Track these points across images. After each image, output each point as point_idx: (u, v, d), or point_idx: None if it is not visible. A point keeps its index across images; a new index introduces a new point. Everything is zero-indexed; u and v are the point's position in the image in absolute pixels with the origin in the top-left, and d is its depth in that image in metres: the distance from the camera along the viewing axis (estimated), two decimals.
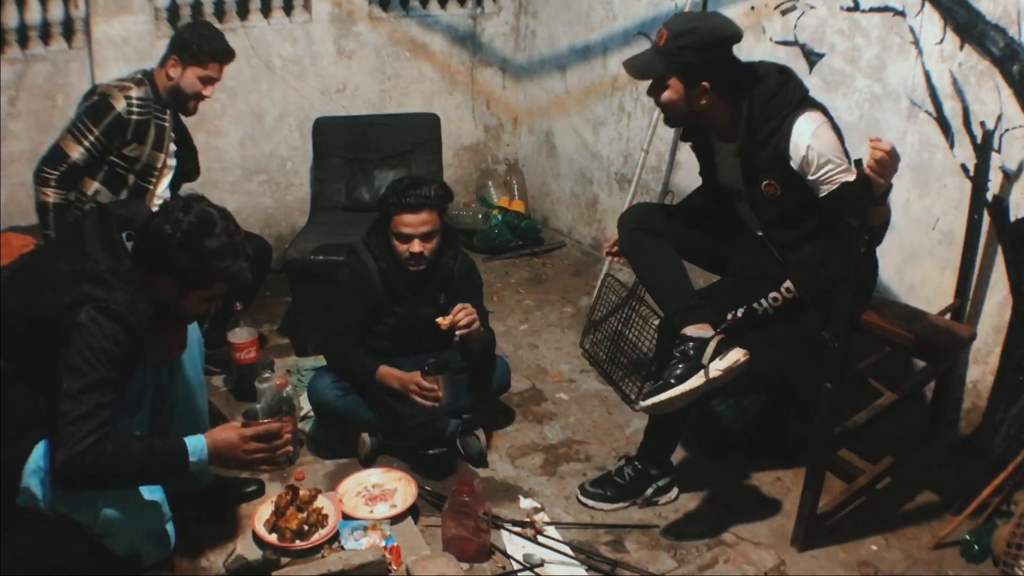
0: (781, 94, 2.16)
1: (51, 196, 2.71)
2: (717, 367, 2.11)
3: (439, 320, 2.54)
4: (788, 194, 2.18)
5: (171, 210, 1.89)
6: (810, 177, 2.12)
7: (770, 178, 2.18)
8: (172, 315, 1.98)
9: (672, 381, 2.13)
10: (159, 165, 2.87)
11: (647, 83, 2.23)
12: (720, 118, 2.23)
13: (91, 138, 2.70)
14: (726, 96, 2.18)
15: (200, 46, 2.79)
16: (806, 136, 2.10)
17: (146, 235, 1.90)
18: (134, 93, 2.75)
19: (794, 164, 2.12)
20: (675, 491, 2.53)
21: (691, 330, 2.19)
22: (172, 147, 2.95)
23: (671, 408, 2.15)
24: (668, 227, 2.43)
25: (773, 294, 2.30)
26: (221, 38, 2.86)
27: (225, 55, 2.86)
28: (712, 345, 2.13)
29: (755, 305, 2.30)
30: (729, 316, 2.24)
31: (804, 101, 2.17)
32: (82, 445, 1.73)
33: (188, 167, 3.07)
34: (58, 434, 1.74)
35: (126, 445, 1.80)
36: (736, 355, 2.12)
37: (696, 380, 2.11)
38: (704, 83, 2.15)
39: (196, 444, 1.88)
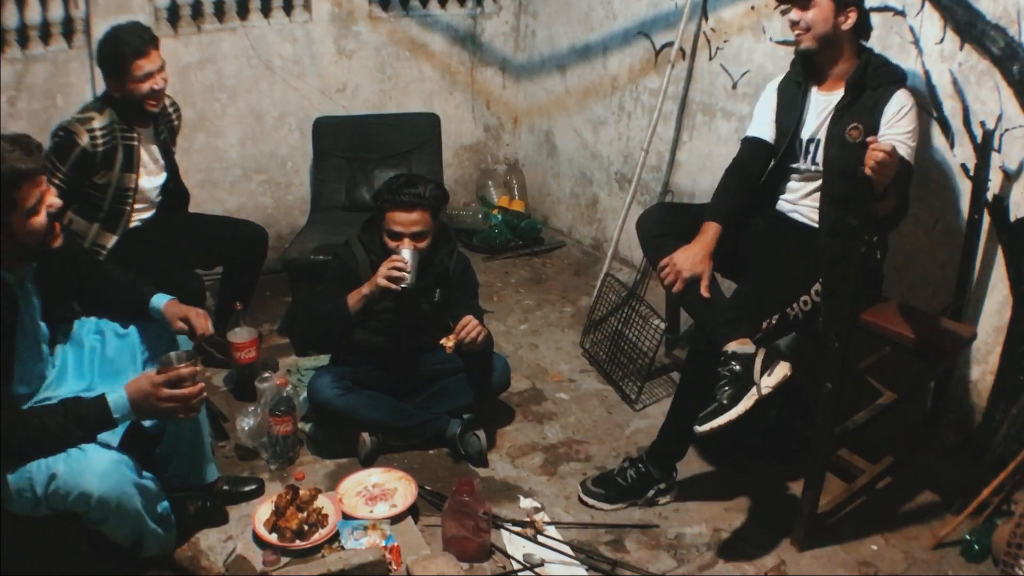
0: (895, 68, 2.38)
1: None
2: (768, 384, 2.13)
3: (443, 342, 2.55)
4: (865, 144, 2.23)
5: None
6: (883, 130, 2.25)
7: (858, 122, 2.21)
8: (27, 255, 1.94)
9: (726, 402, 2.12)
10: (131, 186, 2.84)
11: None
12: (841, 52, 2.38)
13: (60, 175, 2.68)
14: (859, 30, 2.36)
15: (113, 56, 2.71)
16: (908, 104, 2.30)
17: None
18: (96, 123, 2.71)
19: (885, 116, 2.28)
20: (675, 492, 2.54)
21: (734, 346, 2.19)
22: (151, 164, 2.92)
23: (725, 429, 2.14)
24: (689, 230, 2.44)
25: (804, 297, 2.32)
26: (131, 34, 2.72)
27: (140, 46, 2.70)
28: (759, 361, 2.15)
29: (788, 311, 2.32)
30: (764, 324, 2.27)
31: (906, 84, 2.36)
32: None
33: (173, 184, 3.05)
34: None
35: (45, 416, 1.84)
36: (783, 370, 2.14)
37: (749, 400, 2.12)
38: (852, 7, 2.31)
39: (118, 401, 1.88)
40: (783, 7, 2.44)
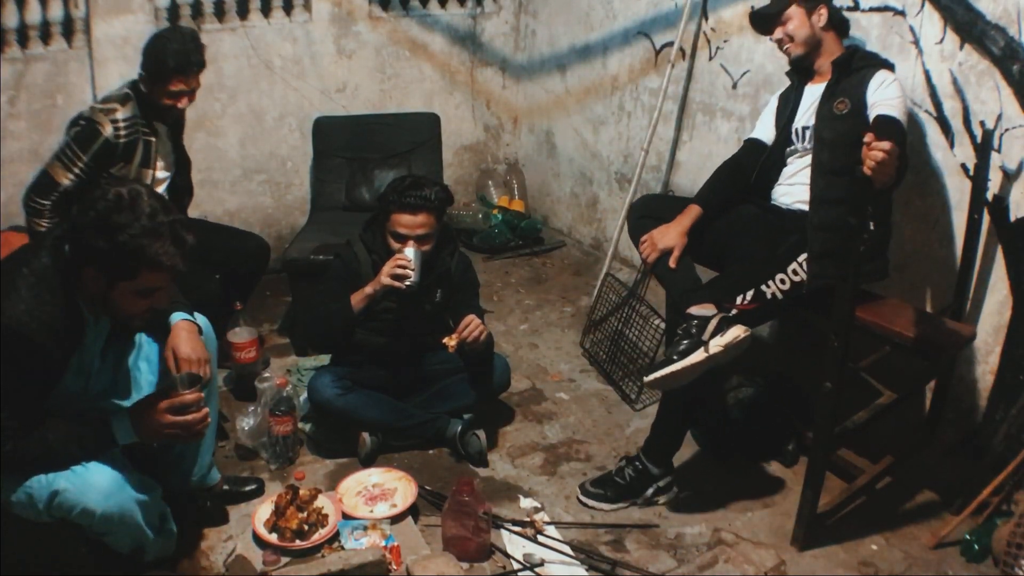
0: (877, 56, 2.49)
1: (45, 227, 2.67)
2: (717, 343, 2.21)
3: (446, 341, 2.54)
4: (852, 115, 2.37)
5: (90, 192, 1.76)
6: (871, 98, 2.34)
7: (845, 97, 2.40)
8: (109, 314, 1.89)
9: (675, 357, 2.23)
10: (148, 182, 2.83)
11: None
12: (825, 47, 2.49)
13: (80, 165, 2.67)
14: (836, 22, 2.49)
15: (157, 61, 2.71)
16: (891, 77, 2.38)
17: (68, 221, 1.80)
18: (120, 115, 2.71)
19: (870, 88, 2.36)
20: (675, 491, 2.54)
21: (695, 310, 2.29)
22: (164, 160, 2.92)
23: (676, 383, 2.25)
24: (675, 215, 2.52)
25: (780, 275, 2.36)
26: (186, 49, 2.71)
27: (187, 67, 2.71)
28: (713, 323, 2.24)
29: (763, 288, 2.35)
30: (739, 300, 2.32)
31: (893, 70, 2.45)
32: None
33: (180, 180, 3.05)
34: None
35: (48, 432, 1.79)
36: (736, 331, 2.23)
37: (697, 355, 2.21)
38: (820, 4, 2.45)
39: (121, 426, 1.85)
40: (749, 20, 2.55)
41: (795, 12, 2.45)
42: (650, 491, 2.50)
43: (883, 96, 2.33)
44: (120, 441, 1.85)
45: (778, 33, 2.50)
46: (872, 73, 2.39)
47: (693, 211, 2.53)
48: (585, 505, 2.50)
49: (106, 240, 1.70)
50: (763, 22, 2.53)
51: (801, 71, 2.56)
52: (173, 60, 2.69)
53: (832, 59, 2.47)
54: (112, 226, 1.70)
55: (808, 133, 2.51)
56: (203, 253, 3.00)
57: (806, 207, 2.45)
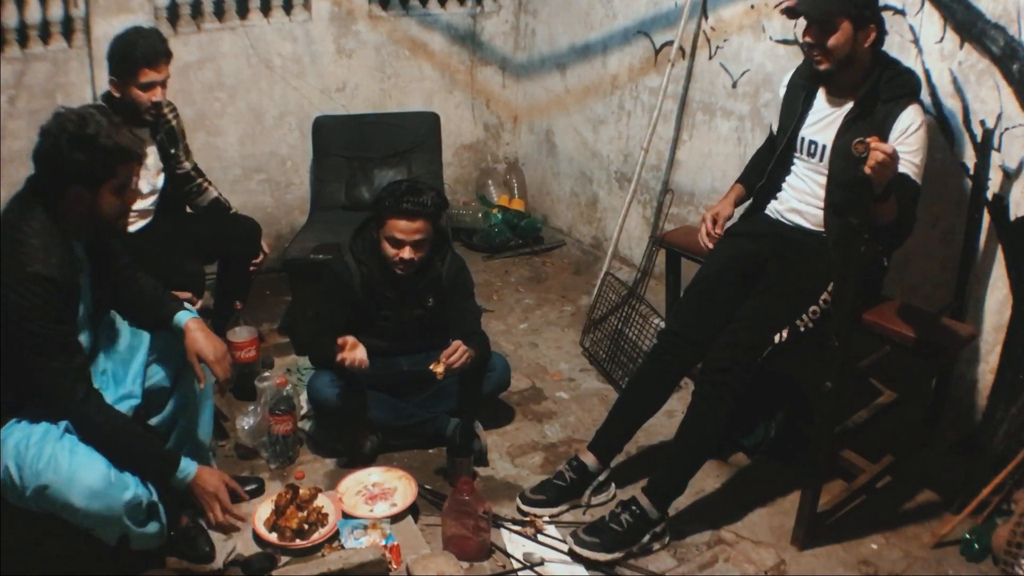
0: (908, 78, 2.34)
1: None
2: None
3: (433, 367, 2.53)
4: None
5: (49, 128, 1.96)
6: (892, 143, 2.17)
7: (865, 136, 2.05)
8: (98, 228, 2.02)
9: (587, 541, 2.25)
10: None
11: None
12: (860, 66, 2.33)
13: None
14: (877, 44, 2.33)
15: (124, 57, 2.70)
16: (917, 120, 2.27)
17: (38, 161, 1.96)
18: None
19: (893, 133, 2.25)
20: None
21: (643, 500, 2.30)
22: (150, 168, 2.88)
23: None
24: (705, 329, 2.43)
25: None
26: (147, 41, 2.72)
27: (154, 56, 2.70)
28: (648, 537, 2.29)
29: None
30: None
31: (919, 96, 2.34)
32: (76, 399, 1.91)
33: (168, 187, 3.03)
34: (52, 402, 1.92)
35: (128, 426, 2.01)
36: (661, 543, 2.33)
37: (604, 556, 2.23)
38: (872, 25, 2.28)
39: (187, 465, 2.12)
40: (782, 8, 2.38)
41: (843, 25, 2.23)
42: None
43: (902, 150, 2.14)
44: (179, 474, 2.10)
45: (813, 37, 2.28)
46: (898, 110, 2.25)
47: (736, 188, 2.76)
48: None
49: (84, 151, 1.91)
50: (798, 17, 2.32)
51: (818, 78, 2.42)
52: (140, 51, 2.68)
53: (859, 78, 2.32)
54: (86, 138, 1.91)
55: (815, 150, 2.44)
56: (195, 241, 3.02)
57: (817, 227, 2.46)
